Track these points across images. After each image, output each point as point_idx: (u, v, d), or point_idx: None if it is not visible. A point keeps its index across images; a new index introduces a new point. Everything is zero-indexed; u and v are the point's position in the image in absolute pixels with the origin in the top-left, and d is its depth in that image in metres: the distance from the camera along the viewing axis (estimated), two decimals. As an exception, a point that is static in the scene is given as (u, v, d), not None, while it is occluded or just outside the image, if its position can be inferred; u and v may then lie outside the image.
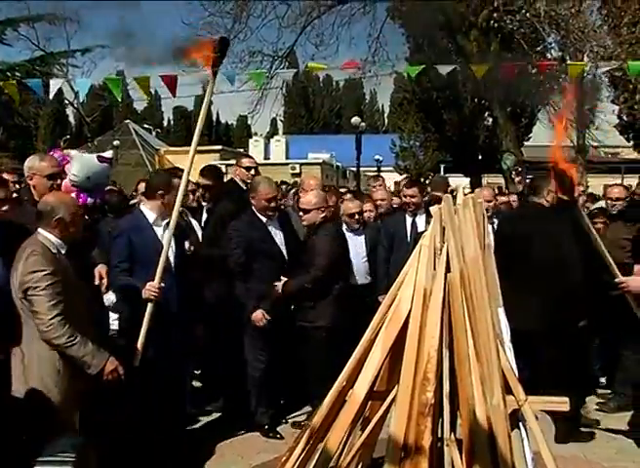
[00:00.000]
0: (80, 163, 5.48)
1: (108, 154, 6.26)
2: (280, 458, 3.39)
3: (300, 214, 5.51)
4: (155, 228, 4.60)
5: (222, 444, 5.02)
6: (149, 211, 4.62)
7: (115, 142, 32.24)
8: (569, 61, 13.92)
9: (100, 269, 4.98)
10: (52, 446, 3.09)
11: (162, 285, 4.28)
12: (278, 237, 5.41)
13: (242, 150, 40.13)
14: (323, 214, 5.30)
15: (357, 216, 6.05)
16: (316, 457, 3.12)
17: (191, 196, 5.86)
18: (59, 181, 4.62)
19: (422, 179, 22.12)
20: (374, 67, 16.02)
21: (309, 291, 5.18)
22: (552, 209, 5.28)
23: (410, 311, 2.91)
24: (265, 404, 5.21)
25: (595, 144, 19.03)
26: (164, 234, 4.57)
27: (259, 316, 5.04)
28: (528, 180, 14.55)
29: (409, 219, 6.04)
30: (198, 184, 6.12)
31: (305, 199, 5.46)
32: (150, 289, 4.25)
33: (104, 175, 5.98)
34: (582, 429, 5.23)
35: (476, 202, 3.02)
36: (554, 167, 3.86)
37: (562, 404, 3.05)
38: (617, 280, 4.51)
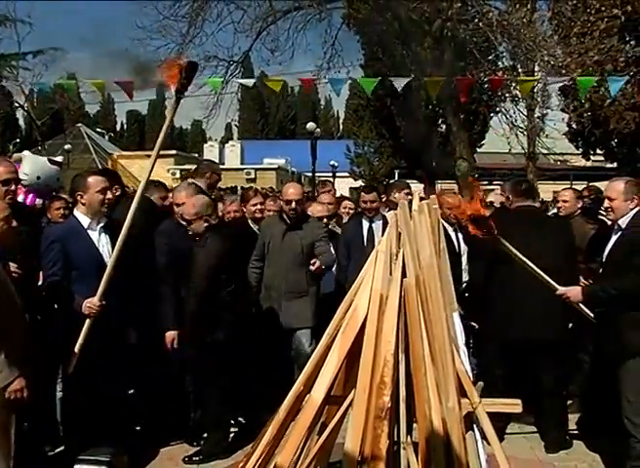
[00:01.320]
0: (31, 163, 5.44)
1: (59, 159, 6.25)
2: (237, 464, 3.38)
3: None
4: (90, 232, 4.53)
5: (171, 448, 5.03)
6: (83, 215, 4.55)
7: (67, 146, 31.73)
8: (521, 76, 14.25)
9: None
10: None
11: (103, 302, 4.26)
12: None
13: (197, 155, 39.89)
14: (207, 224, 5.03)
15: (325, 220, 6.13)
16: (274, 462, 3.12)
17: None
18: (13, 187, 4.51)
19: (376, 185, 22.30)
20: (329, 73, 16.10)
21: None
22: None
23: (366, 316, 2.93)
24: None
25: (545, 152, 19.40)
26: (99, 238, 4.55)
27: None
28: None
29: (365, 225, 6.10)
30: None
31: (185, 209, 5.13)
32: (91, 306, 4.24)
33: (54, 177, 5.96)
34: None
35: (432, 208, 3.07)
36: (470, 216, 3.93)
37: (514, 406, 3.12)
38: (557, 292, 4.61)
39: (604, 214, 4.83)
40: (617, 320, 4.33)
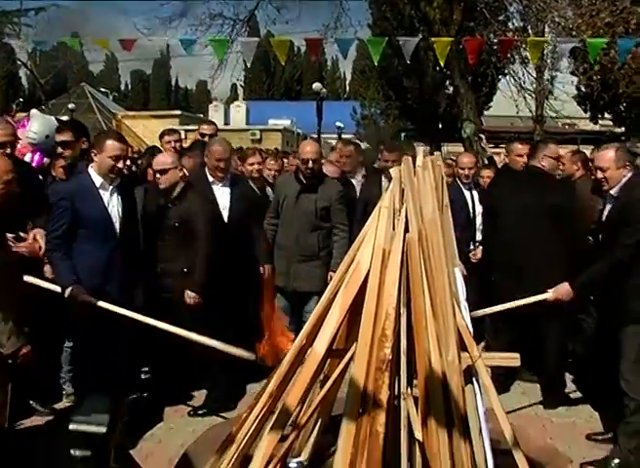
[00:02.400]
0: (40, 121, 5.43)
1: (65, 118, 6.25)
2: (240, 416, 3.45)
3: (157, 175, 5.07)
4: (102, 192, 4.47)
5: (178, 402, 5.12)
6: (96, 174, 4.48)
7: (70, 106, 31.50)
8: (531, 37, 14.03)
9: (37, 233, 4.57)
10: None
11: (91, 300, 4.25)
12: (222, 199, 5.41)
13: (202, 115, 39.62)
14: (182, 174, 5.00)
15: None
16: (275, 414, 3.19)
17: None
18: (8, 150, 4.46)
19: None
20: (336, 33, 15.87)
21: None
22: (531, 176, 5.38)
23: (369, 271, 2.96)
24: None
25: (553, 115, 19.25)
26: (111, 199, 4.50)
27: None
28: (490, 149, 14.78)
29: (385, 184, 5.94)
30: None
31: (159, 159, 5.13)
32: (75, 297, 4.24)
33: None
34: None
35: (435, 164, 3.08)
36: None
37: (513, 359, 3.17)
38: (547, 300, 4.49)
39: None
40: (616, 287, 4.25)
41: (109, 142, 4.44)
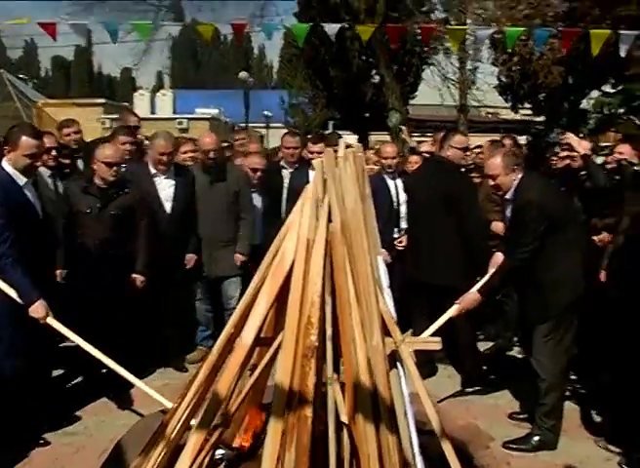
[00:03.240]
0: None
1: None
2: (171, 407, 3.47)
3: None
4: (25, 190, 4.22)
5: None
6: (10, 167, 4.18)
7: (-13, 93, 30.28)
8: (452, 24, 14.35)
9: None
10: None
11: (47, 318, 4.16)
12: (165, 192, 5.60)
13: (127, 104, 38.71)
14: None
15: (260, 173, 6.18)
16: (207, 403, 3.22)
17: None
18: None
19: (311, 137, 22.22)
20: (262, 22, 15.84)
21: None
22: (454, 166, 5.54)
23: (294, 260, 3.02)
24: None
25: (476, 104, 19.75)
26: (29, 194, 4.24)
27: None
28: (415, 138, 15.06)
29: (311, 174, 6.12)
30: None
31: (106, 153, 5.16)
32: (36, 316, 4.12)
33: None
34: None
35: (356, 155, 3.16)
36: None
37: (435, 343, 3.30)
38: (455, 314, 4.48)
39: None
40: (532, 283, 4.33)
41: (24, 139, 4.13)
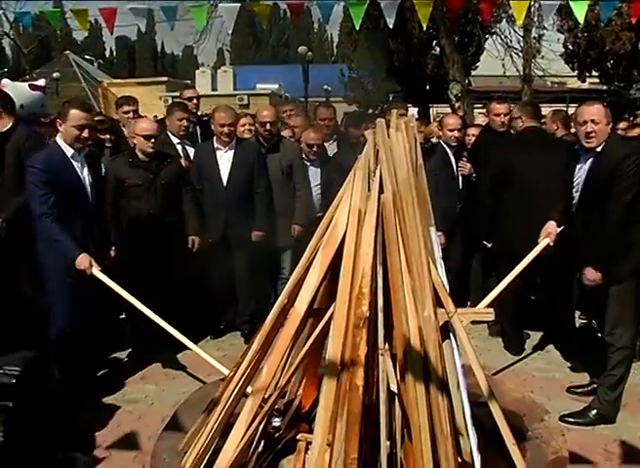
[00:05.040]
0: (12, 92, 5.39)
1: (41, 82, 6.18)
2: (228, 375, 3.55)
3: None
4: (74, 162, 4.51)
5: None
6: (64, 142, 4.50)
7: (55, 74, 31.15)
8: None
9: None
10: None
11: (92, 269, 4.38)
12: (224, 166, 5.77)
13: (189, 82, 39.18)
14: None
15: (316, 148, 6.16)
16: (260, 374, 3.28)
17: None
18: None
19: (372, 110, 22.10)
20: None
21: None
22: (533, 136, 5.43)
23: (346, 231, 3.03)
24: None
25: (540, 74, 19.15)
26: (82, 169, 4.55)
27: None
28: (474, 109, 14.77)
29: None
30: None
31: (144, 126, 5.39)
32: (84, 268, 4.38)
33: (38, 103, 5.92)
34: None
35: (408, 125, 3.12)
36: None
37: (488, 314, 3.26)
38: (545, 244, 4.48)
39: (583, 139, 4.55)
40: (609, 243, 4.17)
41: (73, 112, 4.44)
